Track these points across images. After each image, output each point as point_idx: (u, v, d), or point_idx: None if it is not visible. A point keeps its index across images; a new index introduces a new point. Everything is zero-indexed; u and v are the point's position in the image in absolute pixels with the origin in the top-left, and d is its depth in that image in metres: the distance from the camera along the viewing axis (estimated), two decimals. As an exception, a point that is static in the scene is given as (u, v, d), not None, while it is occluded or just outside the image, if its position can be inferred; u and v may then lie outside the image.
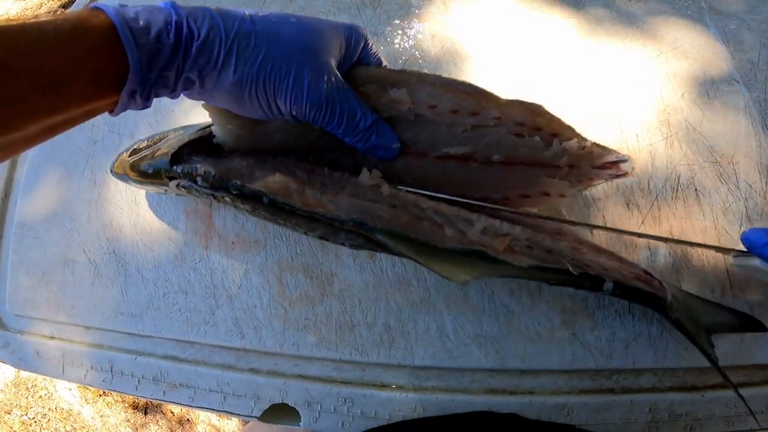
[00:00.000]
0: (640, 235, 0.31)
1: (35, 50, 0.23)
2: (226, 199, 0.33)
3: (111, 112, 0.28)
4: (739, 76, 0.39)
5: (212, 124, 0.35)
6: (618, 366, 0.32)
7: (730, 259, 0.30)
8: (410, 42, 0.46)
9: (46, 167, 0.50)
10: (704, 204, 0.34)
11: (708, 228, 0.34)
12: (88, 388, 1.05)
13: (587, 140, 0.31)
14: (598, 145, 0.31)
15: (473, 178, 0.32)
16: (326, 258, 0.40)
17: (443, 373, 0.35)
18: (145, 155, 0.38)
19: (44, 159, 0.50)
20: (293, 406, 0.38)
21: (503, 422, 0.32)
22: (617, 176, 0.30)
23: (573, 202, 0.36)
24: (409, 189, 0.32)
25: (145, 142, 0.41)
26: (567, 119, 0.30)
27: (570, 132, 0.31)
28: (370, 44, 0.33)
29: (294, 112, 0.29)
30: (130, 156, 0.40)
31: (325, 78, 0.28)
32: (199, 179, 0.34)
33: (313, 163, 0.34)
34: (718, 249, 0.30)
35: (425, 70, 0.40)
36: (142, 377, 0.42)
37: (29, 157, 0.51)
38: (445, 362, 0.35)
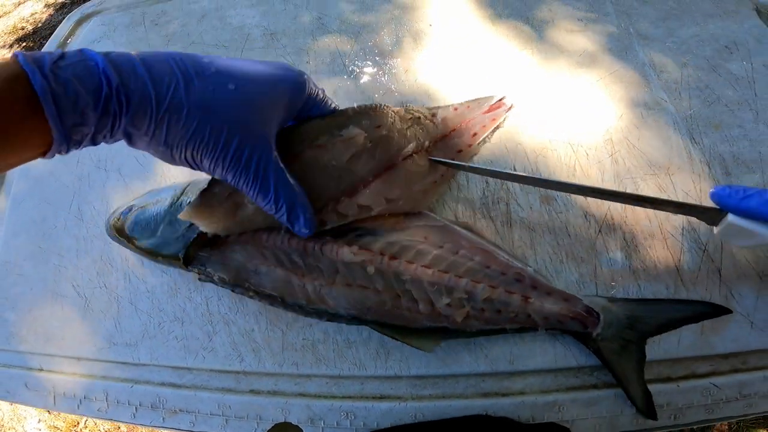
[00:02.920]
0: (624, 195, 0.30)
1: None
2: (250, 295, 0.34)
3: (44, 157, 0.25)
4: (666, 96, 0.39)
5: None
6: (596, 363, 0.31)
7: (714, 230, 0.29)
8: (386, 77, 0.44)
9: (29, 204, 0.44)
10: (649, 212, 0.34)
11: (655, 232, 0.34)
12: (57, 426, 0.94)
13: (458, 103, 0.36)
14: (477, 99, 0.37)
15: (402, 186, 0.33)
16: (319, 280, 0.37)
17: (438, 380, 0.33)
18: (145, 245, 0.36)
19: (28, 196, 0.44)
20: (296, 424, 0.34)
21: (496, 426, 0.31)
22: (507, 110, 0.38)
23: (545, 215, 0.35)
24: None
25: (139, 205, 0.37)
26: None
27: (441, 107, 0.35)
28: (316, 93, 0.30)
29: (215, 174, 0.28)
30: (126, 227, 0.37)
31: (249, 150, 0.26)
32: (216, 279, 0.34)
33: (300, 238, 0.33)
34: (693, 207, 0.29)
35: (400, 103, 0.38)
36: (140, 404, 0.37)
37: (12, 194, 0.45)
38: (440, 370, 0.33)
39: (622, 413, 0.30)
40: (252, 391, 0.36)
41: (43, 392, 0.39)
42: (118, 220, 0.38)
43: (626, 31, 0.44)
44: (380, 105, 0.32)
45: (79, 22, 0.59)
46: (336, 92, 0.44)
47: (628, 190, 0.35)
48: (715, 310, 0.29)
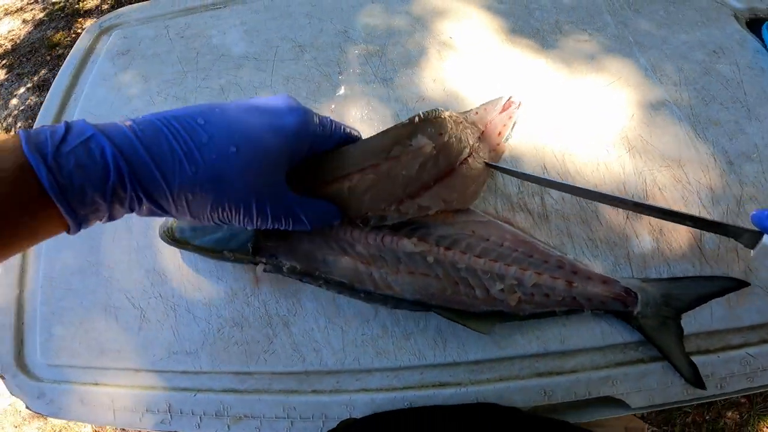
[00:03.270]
0: (673, 214, 0.33)
1: None
2: (319, 283, 0.36)
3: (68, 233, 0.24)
4: (669, 97, 0.44)
5: None
6: (639, 339, 0.34)
7: (751, 253, 0.31)
8: (415, 86, 0.46)
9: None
10: (669, 200, 0.38)
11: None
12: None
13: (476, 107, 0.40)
14: (489, 102, 0.40)
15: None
16: (373, 278, 0.38)
17: (494, 364, 0.36)
18: (208, 242, 0.37)
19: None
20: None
21: (504, 415, 0.33)
22: (518, 108, 0.41)
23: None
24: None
25: None
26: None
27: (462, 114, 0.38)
28: (323, 126, 0.30)
29: (247, 228, 0.30)
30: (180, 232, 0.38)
31: (269, 206, 0.27)
32: (286, 268, 0.35)
33: (362, 230, 0.35)
34: (732, 228, 0.31)
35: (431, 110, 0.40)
36: (204, 413, 0.38)
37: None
38: (496, 353, 0.35)
39: (672, 384, 0.33)
40: (314, 391, 0.37)
41: (102, 407, 0.38)
42: (174, 222, 0.38)
43: (626, 40, 0.49)
44: (439, 110, 0.33)
45: (98, 36, 0.58)
46: (370, 101, 0.46)
47: (647, 182, 0.39)
48: (737, 284, 0.33)
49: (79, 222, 0.23)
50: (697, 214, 0.38)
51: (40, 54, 1.42)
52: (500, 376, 0.35)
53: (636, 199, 0.38)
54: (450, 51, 0.49)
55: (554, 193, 0.39)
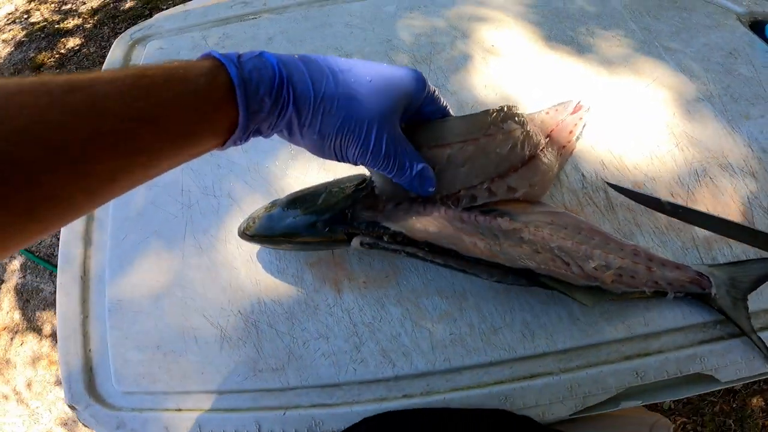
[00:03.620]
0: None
1: (175, 102, 0.23)
2: (418, 254, 0.34)
3: (220, 148, 0.28)
4: (702, 95, 0.47)
5: (363, 179, 0.37)
6: (717, 318, 0.36)
7: None
8: (468, 93, 0.48)
9: (134, 238, 0.42)
10: (720, 186, 0.41)
11: (729, 202, 0.41)
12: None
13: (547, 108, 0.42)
14: (561, 103, 0.43)
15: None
16: (456, 279, 0.39)
17: (581, 351, 0.37)
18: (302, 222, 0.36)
19: (131, 230, 0.42)
20: (462, 414, 0.36)
21: (517, 423, 0.34)
22: (587, 111, 0.43)
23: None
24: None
25: (283, 203, 0.37)
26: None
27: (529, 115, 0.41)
28: (432, 90, 0.34)
29: (358, 162, 0.32)
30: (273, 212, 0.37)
31: (386, 136, 0.30)
32: (387, 237, 0.34)
33: (455, 209, 0.36)
34: None
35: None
36: (296, 432, 0.37)
37: (110, 230, 0.42)
38: (584, 341, 0.37)
39: (755, 358, 0.35)
40: (405, 396, 0.37)
41: (188, 432, 0.37)
42: (253, 219, 0.37)
43: (653, 44, 0.52)
44: (515, 107, 0.36)
45: (131, 48, 0.57)
46: (425, 109, 0.48)
47: (698, 172, 0.42)
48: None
49: (247, 119, 0.26)
50: (746, 200, 0.41)
51: (24, 75, 1.36)
52: (588, 362, 0.37)
53: (692, 188, 0.41)
54: (494, 57, 0.51)
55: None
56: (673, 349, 0.36)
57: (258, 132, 0.28)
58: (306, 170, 0.44)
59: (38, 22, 1.56)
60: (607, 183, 0.40)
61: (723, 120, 0.45)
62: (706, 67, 0.50)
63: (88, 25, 1.54)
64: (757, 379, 0.36)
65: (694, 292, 0.36)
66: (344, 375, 0.37)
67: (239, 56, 0.26)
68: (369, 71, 0.30)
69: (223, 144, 0.27)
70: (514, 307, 0.38)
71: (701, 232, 0.39)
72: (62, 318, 0.41)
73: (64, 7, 1.63)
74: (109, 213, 0.43)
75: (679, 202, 0.41)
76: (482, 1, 0.57)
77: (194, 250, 0.41)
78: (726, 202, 0.41)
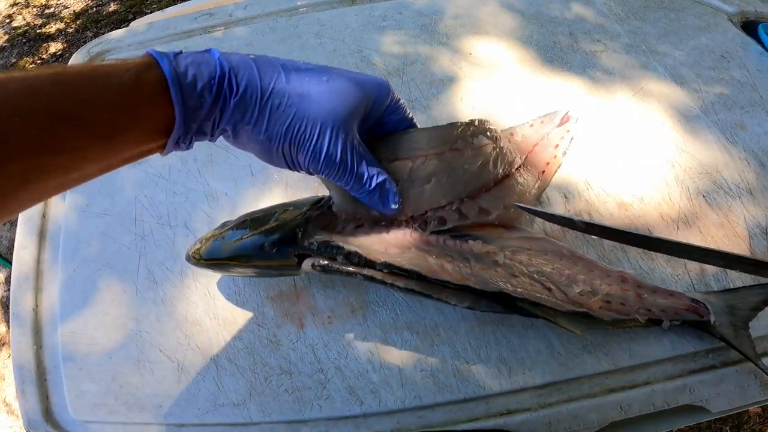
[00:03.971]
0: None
1: (101, 100, 0.22)
2: (377, 277, 0.30)
3: (161, 153, 0.26)
4: (694, 104, 0.44)
5: (320, 198, 0.33)
6: (710, 346, 0.34)
7: None
8: (443, 107, 0.45)
9: (87, 270, 0.39)
10: (713, 205, 0.38)
11: (723, 223, 0.38)
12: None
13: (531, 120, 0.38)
14: (547, 115, 0.39)
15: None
16: (426, 313, 0.36)
17: (562, 385, 0.34)
18: (249, 235, 0.33)
19: (82, 262, 0.39)
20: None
21: None
22: (576, 122, 0.39)
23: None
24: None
25: (233, 225, 0.34)
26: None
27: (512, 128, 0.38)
28: (397, 99, 0.32)
29: (311, 169, 0.29)
30: (221, 237, 0.33)
31: (342, 141, 0.28)
32: (340, 258, 0.31)
33: (423, 233, 0.33)
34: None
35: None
36: (257, 467, 0.35)
37: (60, 260, 0.40)
38: (564, 375, 0.34)
39: (749, 386, 0.32)
40: (374, 433, 0.35)
41: (144, 470, 0.34)
42: (201, 243, 0.34)
43: (639, 48, 0.49)
44: (488, 121, 0.33)
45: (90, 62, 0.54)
46: (398, 123, 0.45)
47: (690, 191, 0.39)
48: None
49: (184, 116, 0.24)
50: (742, 221, 0.38)
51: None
52: (569, 396, 0.34)
53: (683, 209, 0.38)
54: (472, 67, 0.48)
55: (601, 209, 0.39)
56: (662, 380, 0.33)
57: (202, 133, 0.26)
58: (269, 195, 0.41)
59: (20, 27, 1.52)
60: (516, 204, 0.35)
61: (716, 131, 0.42)
62: (697, 73, 0.47)
63: (71, 30, 1.50)
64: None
65: (692, 320, 0.33)
66: (309, 412, 0.35)
67: (179, 52, 0.25)
68: (328, 72, 0.28)
69: (163, 147, 0.25)
70: (490, 341, 0.35)
71: (691, 257, 0.37)
72: (16, 347, 0.39)
73: (47, 11, 1.59)
74: (59, 244, 0.41)
75: (669, 223, 0.38)
76: (458, 8, 0.54)
77: (148, 283, 0.38)
78: (720, 222, 0.38)
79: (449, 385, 0.35)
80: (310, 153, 0.27)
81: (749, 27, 0.56)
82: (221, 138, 0.28)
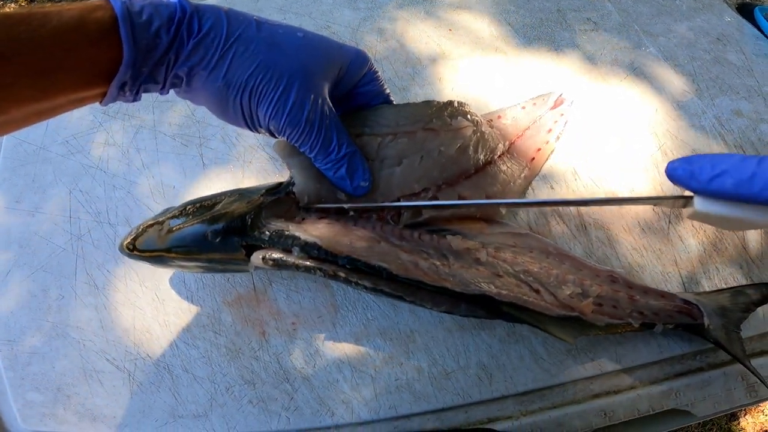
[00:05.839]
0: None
1: (33, 38, 0.20)
2: (340, 274, 0.26)
3: (100, 102, 0.24)
4: (688, 88, 0.41)
5: (278, 183, 0.29)
6: (698, 348, 0.31)
7: (682, 213, 0.24)
8: (419, 88, 0.40)
9: (20, 274, 0.34)
10: (651, 205, 0.35)
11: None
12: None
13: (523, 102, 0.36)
14: (540, 96, 0.36)
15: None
16: (401, 318, 0.33)
17: (545, 392, 0.32)
18: (187, 224, 0.28)
19: (15, 265, 0.34)
20: (407, 468, 0.31)
21: None
22: (570, 105, 0.36)
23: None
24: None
25: (175, 212, 0.29)
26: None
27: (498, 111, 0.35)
28: (375, 70, 0.29)
29: (271, 127, 0.26)
30: (161, 227, 0.28)
31: (311, 99, 0.25)
32: (296, 251, 0.26)
33: (393, 224, 0.29)
34: (667, 198, 0.24)
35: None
36: (224, 480, 0.31)
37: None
38: (547, 381, 0.31)
39: (735, 389, 0.31)
40: (347, 444, 0.32)
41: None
42: (138, 230, 0.29)
43: (632, 28, 0.45)
44: (467, 105, 0.30)
45: None
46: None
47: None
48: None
49: (134, 56, 0.22)
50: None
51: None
52: (553, 403, 0.32)
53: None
54: (452, 45, 0.43)
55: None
56: (647, 384, 0.31)
57: (152, 80, 0.24)
58: (224, 188, 0.36)
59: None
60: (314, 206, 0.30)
61: (711, 117, 0.39)
62: (691, 55, 0.43)
63: None
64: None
65: (685, 323, 0.31)
66: (277, 423, 0.31)
67: None
68: (304, 31, 0.26)
69: (104, 95, 0.23)
70: (469, 347, 0.32)
71: (684, 255, 0.34)
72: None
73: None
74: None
75: (662, 217, 0.35)
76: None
77: (88, 288, 0.33)
78: (712, 215, 0.35)
79: (426, 394, 0.32)
80: (272, 106, 0.24)
81: (744, 10, 0.52)
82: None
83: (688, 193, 0.23)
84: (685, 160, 0.22)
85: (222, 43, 0.24)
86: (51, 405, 0.32)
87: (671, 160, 0.23)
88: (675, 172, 0.22)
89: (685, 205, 0.23)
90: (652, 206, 0.35)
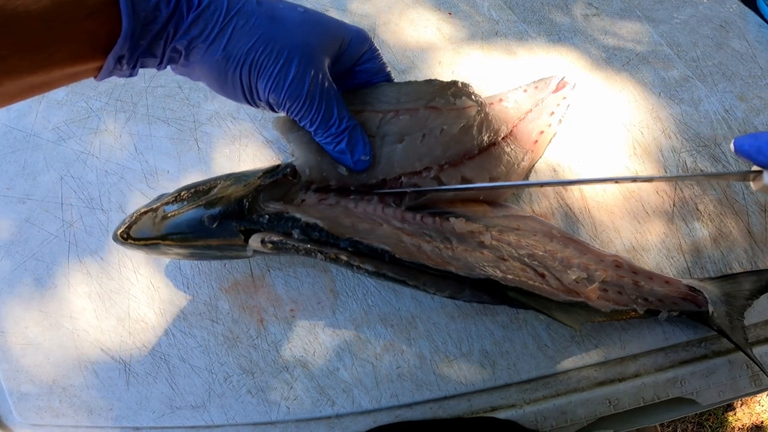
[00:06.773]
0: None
1: (30, 9, 0.19)
2: (341, 257, 0.25)
3: (95, 77, 0.23)
4: (691, 72, 0.40)
5: (276, 165, 0.28)
6: (702, 335, 0.31)
7: (751, 186, 0.25)
8: (419, 72, 0.39)
9: (10, 263, 0.33)
10: (712, 180, 0.35)
11: (722, 199, 0.34)
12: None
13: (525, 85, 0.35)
14: (542, 79, 0.35)
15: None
16: (402, 304, 0.32)
17: (549, 380, 0.31)
18: (184, 209, 0.27)
19: (5, 254, 0.33)
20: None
21: (502, 429, 0.29)
22: (573, 89, 0.35)
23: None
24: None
25: (169, 198, 0.28)
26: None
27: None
28: (375, 48, 0.28)
29: (271, 100, 0.25)
30: (158, 212, 0.27)
31: (312, 73, 0.25)
32: (296, 233, 0.25)
33: (395, 206, 0.29)
34: (733, 174, 0.27)
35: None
36: (224, 471, 0.30)
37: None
38: (551, 368, 0.31)
39: (740, 377, 0.30)
40: (349, 434, 0.31)
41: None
42: (132, 218, 0.28)
43: (634, 13, 0.44)
44: (471, 86, 0.29)
45: None
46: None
47: (688, 163, 0.35)
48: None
49: (132, 27, 0.21)
50: (741, 193, 0.34)
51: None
52: (557, 391, 0.31)
53: (681, 184, 0.35)
54: (452, 29, 0.42)
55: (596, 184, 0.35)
56: (652, 371, 0.31)
57: (150, 54, 0.23)
58: (219, 172, 0.35)
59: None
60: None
61: (715, 102, 0.38)
62: (694, 41, 0.42)
63: None
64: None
65: (690, 311, 0.30)
66: (276, 413, 0.31)
67: None
68: (305, 7, 0.26)
69: (100, 69, 0.22)
70: (472, 334, 0.31)
71: (688, 239, 0.33)
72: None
73: None
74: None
75: (666, 200, 0.34)
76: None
77: (81, 276, 0.32)
78: (719, 198, 0.34)
79: (428, 383, 0.31)
80: (272, 80, 0.24)
81: (746, -4, 0.51)
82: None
83: (756, 168, 0.24)
84: (753, 136, 0.23)
85: (222, 16, 0.23)
86: (46, 398, 0.31)
87: (737, 136, 0.24)
88: (742, 147, 0.23)
89: (754, 179, 0.24)
90: (655, 190, 0.34)
